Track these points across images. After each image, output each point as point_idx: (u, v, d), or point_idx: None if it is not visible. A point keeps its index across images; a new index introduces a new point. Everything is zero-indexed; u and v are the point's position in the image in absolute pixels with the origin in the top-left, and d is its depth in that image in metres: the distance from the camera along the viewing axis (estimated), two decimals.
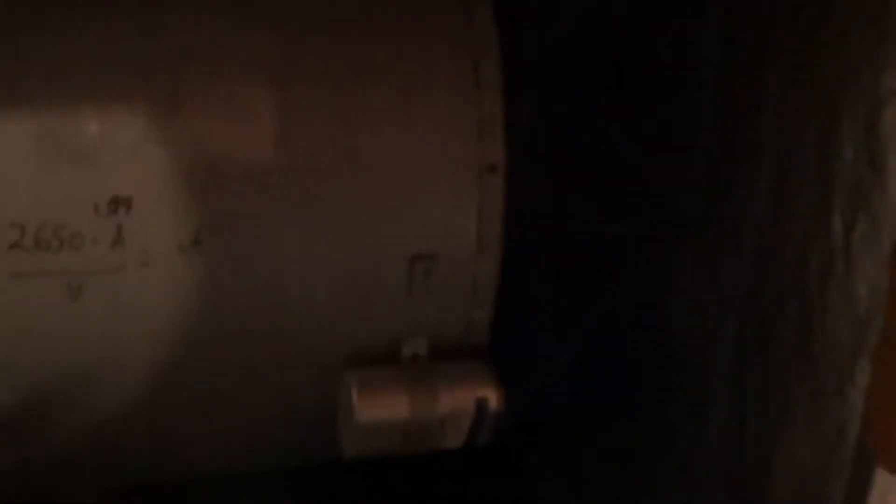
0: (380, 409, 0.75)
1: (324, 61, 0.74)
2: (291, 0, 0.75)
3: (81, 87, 0.69)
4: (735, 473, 0.87)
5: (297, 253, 0.70)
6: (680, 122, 0.95)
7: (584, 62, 1.02)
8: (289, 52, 0.73)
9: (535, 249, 1.07)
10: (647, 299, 1.05)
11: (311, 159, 0.73)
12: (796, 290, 0.78)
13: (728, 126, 0.88)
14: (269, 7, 0.75)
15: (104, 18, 0.70)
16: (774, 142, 0.80)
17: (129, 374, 0.66)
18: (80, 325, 0.62)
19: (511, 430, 1.00)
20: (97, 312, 0.62)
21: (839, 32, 0.71)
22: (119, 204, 0.60)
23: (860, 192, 0.71)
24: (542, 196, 1.01)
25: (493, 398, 0.81)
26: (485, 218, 0.78)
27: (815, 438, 0.76)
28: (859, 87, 0.69)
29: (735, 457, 0.87)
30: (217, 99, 0.70)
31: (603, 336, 1.09)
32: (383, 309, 0.77)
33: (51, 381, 0.65)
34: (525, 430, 1.07)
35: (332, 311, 0.76)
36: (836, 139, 0.73)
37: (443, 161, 0.76)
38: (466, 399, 0.80)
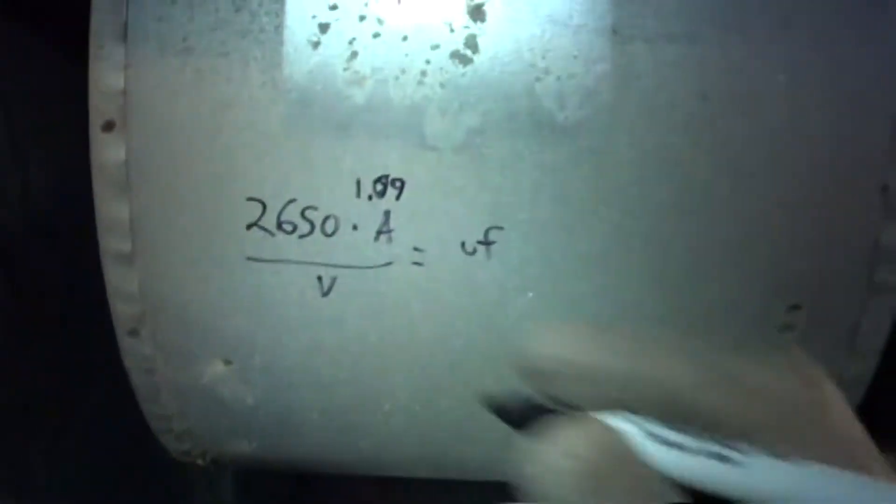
0: None
1: None
2: None
3: None
4: None
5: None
6: None
7: None
8: None
9: None
10: None
11: None
12: None
13: None
14: None
15: None
16: None
17: (382, 387, 0.57)
18: (330, 326, 0.55)
19: None
20: (353, 314, 0.54)
21: None
22: (388, 186, 0.51)
23: None
24: None
25: None
26: None
27: None
28: None
29: None
30: None
31: None
32: None
33: (291, 383, 0.58)
34: None
35: None
36: None
37: None
38: None
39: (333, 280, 0.53)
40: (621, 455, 0.30)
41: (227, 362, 0.57)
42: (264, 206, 0.52)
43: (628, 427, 0.31)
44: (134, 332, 0.57)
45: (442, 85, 0.50)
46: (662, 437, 0.30)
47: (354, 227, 0.52)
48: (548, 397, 0.33)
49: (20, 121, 0.71)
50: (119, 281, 0.55)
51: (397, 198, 0.51)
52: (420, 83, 0.50)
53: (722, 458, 0.29)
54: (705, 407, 0.31)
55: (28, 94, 0.72)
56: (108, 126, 0.53)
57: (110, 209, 0.54)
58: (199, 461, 0.64)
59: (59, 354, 0.75)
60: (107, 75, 0.52)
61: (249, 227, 0.52)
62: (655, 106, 0.51)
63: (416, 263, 0.52)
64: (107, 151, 0.53)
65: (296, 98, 0.51)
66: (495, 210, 0.51)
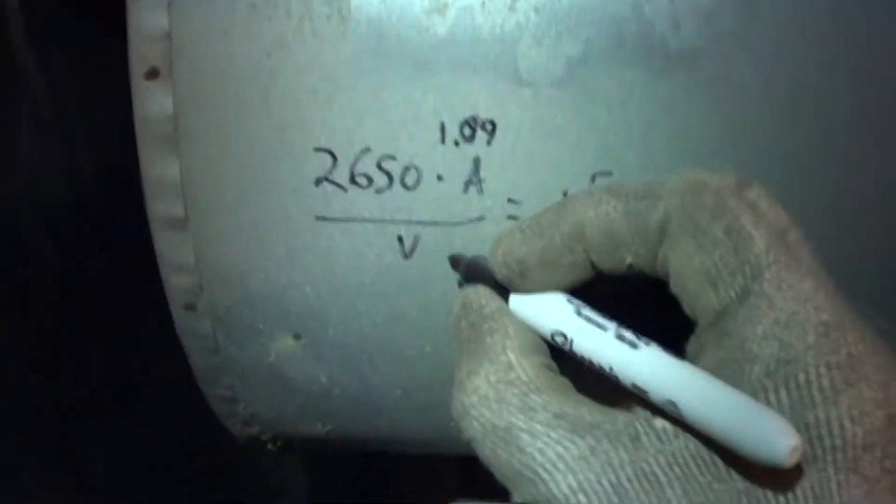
0: None
1: None
2: None
3: None
4: None
5: None
6: None
7: None
8: None
9: None
10: None
11: None
12: None
13: None
14: None
15: None
16: None
17: None
18: (413, 292, 0.49)
19: None
20: (439, 278, 0.48)
21: None
22: (477, 128, 0.46)
23: None
24: None
25: None
26: None
27: None
28: None
29: None
30: None
31: None
32: None
33: (369, 358, 0.53)
34: None
35: None
36: None
37: None
38: None
39: (416, 239, 0.47)
40: (476, 317, 0.40)
41: (297, 337, 0.51)
42: (335, 158, 0.46)
43: (563, 307, 0.39)
44: (190, 307, 0.51)
45: (536, 10, 0.44)
46: (587, 316, 0.38)
47: (439, 178, 0.46)
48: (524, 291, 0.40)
49: (65, 94, 0.68)
50: (171, 250, 0.49)
51: (488, 142, 0.45)
52: (511, 9, 0.44)
53: (625, 340, 0.37)
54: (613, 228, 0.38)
55: (71, 64, 0.69)
56: (152, 73, 0.47)
57: (157, 169, 0.48)
58: (269, 447, 0.59)
59: (111, 336, 0.72)
60: (148, 16, 0.47)
61: (318, 182, 0.47)
62: (786, 28, 0.44)
63: (511, 217, 0.46)
64: (151, 102, 0.47)
65: (366, 31, 0.45)
66: (603, 153, 0.45)
